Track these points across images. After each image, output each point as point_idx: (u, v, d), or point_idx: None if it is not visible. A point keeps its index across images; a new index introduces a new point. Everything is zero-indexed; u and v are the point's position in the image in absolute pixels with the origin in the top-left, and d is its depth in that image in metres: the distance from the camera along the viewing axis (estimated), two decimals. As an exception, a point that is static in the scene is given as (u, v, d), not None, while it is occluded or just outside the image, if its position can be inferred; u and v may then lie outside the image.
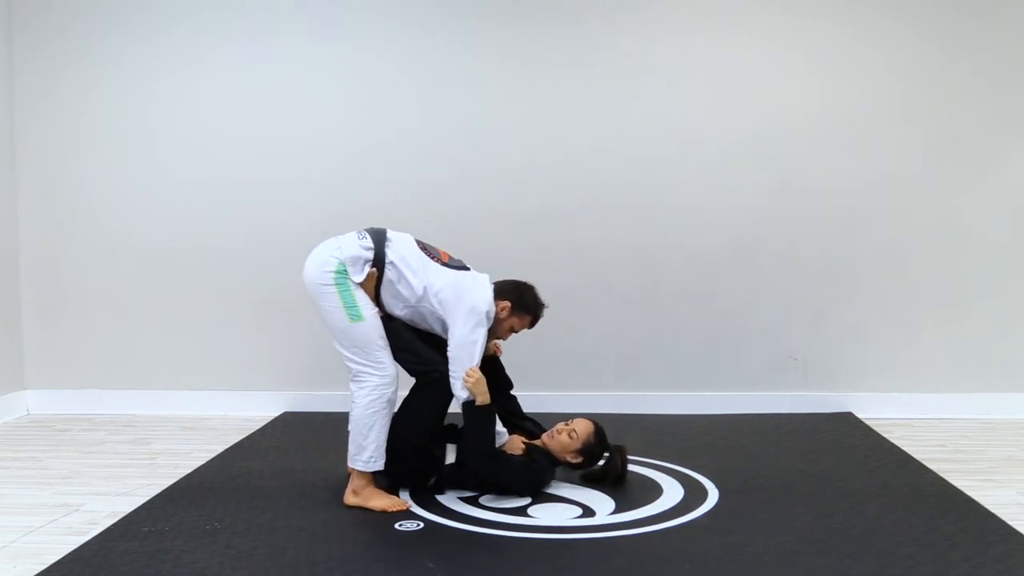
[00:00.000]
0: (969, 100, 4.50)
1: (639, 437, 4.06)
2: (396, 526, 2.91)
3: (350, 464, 3.13)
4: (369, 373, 3.08)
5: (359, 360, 3.08)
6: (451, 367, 3.10)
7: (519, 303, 3.28)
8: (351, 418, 3.10)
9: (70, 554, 2.66)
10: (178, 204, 4.70)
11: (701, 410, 4.57)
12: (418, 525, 2.92)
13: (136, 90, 4.69)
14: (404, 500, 3.12)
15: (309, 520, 2.98)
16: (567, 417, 3.39)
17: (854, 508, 3.05)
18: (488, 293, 3.19)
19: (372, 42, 4.63)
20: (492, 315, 3.18)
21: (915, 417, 4.48)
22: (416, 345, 3.17)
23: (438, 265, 3.19)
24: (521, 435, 3.37)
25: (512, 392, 3.50)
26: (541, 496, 3.22)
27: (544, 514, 3.03)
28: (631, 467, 3.56)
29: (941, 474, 3.44)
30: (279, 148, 4.65)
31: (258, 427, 4.34)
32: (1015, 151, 4.51)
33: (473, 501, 3.15)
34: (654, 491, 3.28)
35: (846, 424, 4.33)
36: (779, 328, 4.62)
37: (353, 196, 4.57)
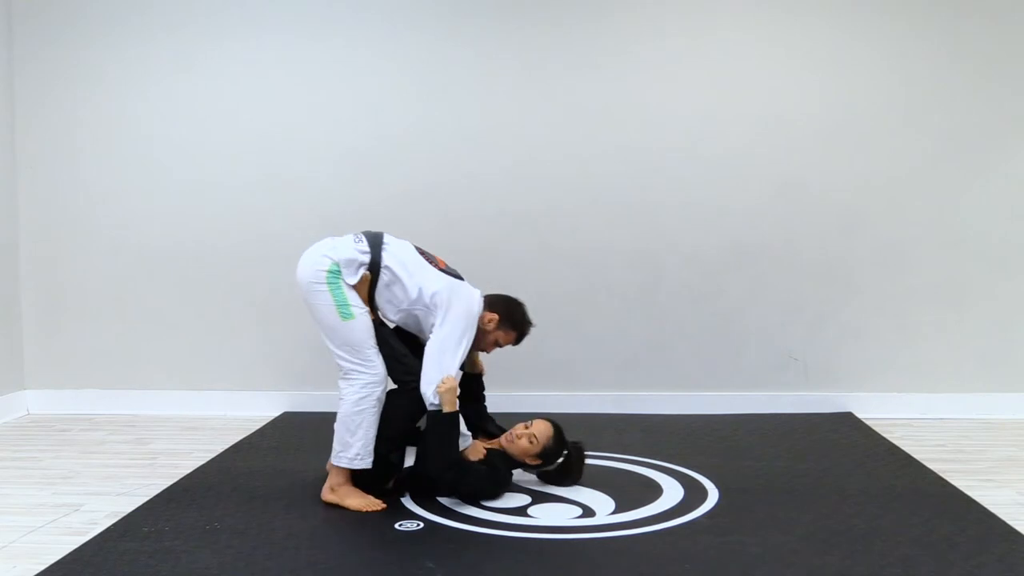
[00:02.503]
0: (969, 100, 4.49)
1: (639, 437, 4.06)
2: (396, 526, 2.91)
3: (333, 461, 3.14)
4: (360, 371, 3.10)
5: (349, 358, 3.11)
6: (425, 365, 3.08)
7: (507, 317, 3.29)
8: (339, 415, 3.13)
9: (70, 554, 2.66)
10: (178, 204, 4.69)
11: (701, 410, 4.56)
12: (418, 525, 2.92)
13: (136, 90, 4.68)
14: (380, 501, 3.10)
15: (309, 520, 2.98)
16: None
17: (854, 508, 3.05)
18: (480, 301, 3.22)
19: (372, 42, 4.63)
20: (478, 323, 3.19)
21: (915, 417, 4.48)
22: (405, 355, 3.17)
23: (435, 269, 3.21)
24: (482, 438, 3.32)
25: (485, 401, 3.48)
26: (541, 496, 3.22)
27: (544, 514, 3.03)
28: (631, 467, 3.56)
29: (941, 474, 3.44)
30: (279, 148, 4.64)
31: (258, 427, 4.34)
32: (1015, 151, 4.50)
33: (473, 501, 3.15)
34: (654, 491, 3.28)
35: (846, 424, 4.33)
36: (779, 328, 4.61)
37: (353, 196, 4.57)
